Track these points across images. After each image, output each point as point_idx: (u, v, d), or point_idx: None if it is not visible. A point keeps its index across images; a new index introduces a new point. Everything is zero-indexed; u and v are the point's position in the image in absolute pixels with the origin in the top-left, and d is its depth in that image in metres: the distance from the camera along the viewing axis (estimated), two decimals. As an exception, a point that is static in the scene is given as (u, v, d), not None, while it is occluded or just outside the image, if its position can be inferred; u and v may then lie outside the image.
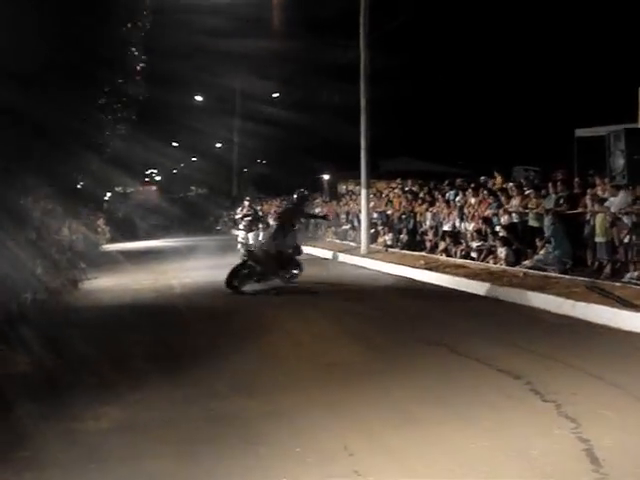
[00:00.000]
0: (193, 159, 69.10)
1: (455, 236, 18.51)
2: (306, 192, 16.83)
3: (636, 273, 12.13)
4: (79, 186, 19.28)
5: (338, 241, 26.56)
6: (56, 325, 11.98)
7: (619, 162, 12.86)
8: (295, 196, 16.28)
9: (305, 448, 5.35)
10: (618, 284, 11.61)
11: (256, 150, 54.74)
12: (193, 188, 72.89)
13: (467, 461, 4.93)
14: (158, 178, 79.09)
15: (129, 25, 10.94)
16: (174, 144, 62.97)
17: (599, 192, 13.91)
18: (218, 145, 60.05)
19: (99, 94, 11.11)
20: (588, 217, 13.98)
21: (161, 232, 37.71)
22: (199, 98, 49.43)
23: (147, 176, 78.40)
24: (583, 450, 5.02)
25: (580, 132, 21.94)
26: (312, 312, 12.09)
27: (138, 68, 12.49)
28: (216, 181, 59.09)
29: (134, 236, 37.74)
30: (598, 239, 13.50)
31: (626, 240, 12.75)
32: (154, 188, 68.58)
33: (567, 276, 13.00)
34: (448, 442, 5.34)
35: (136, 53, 11.63)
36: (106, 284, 18.07)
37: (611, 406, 6.00)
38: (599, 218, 13.48)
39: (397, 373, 7.46)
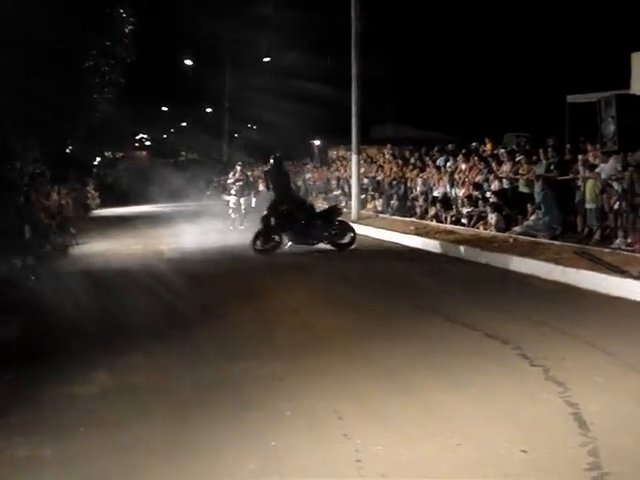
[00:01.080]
0: (183, 124, 68.68)
1: (446, 202, 18.49)
2: (279, 154, 16.82)
3: (625, 239, 12.17)
4: (68, 151, 19.16)
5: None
6: (45, 291, 11.93)
7: (610, 128, 12.80)
8: (271, 160, 16.43)
9: (295, 412, 5.36)
10: (607, 250, 11.63)
11: (247, 115, 54.40)
12: (183, 153, 72.51)
13: (454, 426, 4.95)
14: (148, 143, 78.66)
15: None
16: (164, 108, 62.55)
17: (590, 158, 13.88)
18: (209, 110, 59.62)
19: (86, 56, 10.95)
20: (579, 183, 13.97)
21: (151, 197, 37.53)
22: (189, 62, 48.94)
23: (137, 141, 78.03)
24: (571, 414, 5.05)
25: (571, 98, 21.82)
26: (303, 278, 12.11)
27: (126, 30, 12.30)
28: (206, 146, 58.77)
29: (124, 201, 37.56)
30: (588, 205, 13.51)
31: (616, 206, 12.76)
32: (144, 153, 68.28)
33: (557, 242, 13.01)
34: (436, 407, 5.36)
35: (124, 15, 11.45)
36: (96, 249, 18.01)
37: (600, 371, 6.04)
38: (589, 184, 13.47)
39: (387, 339, 7.47)
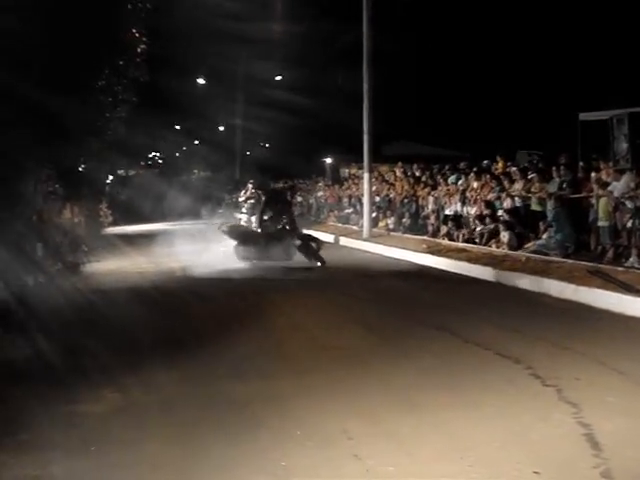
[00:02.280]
0: (196, 142, 68.89)
1: (457, 220, 18.43)
2: (291, 183, 17.29)
3: (639, 258, 12.08)
4: (81, 169, 19.20)
5: (340, 225, 26.47)
6: (56, 309, 11.93)
7: (622, 146, 12.86)
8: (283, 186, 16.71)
9: (305, 432, 5.32)
10: (620, 269, 11.55)
11: (260, 133, 54.57)
12: (195, 171, 72.64)
13: (466, 446, 4.90)
14: (161, 161, 78.89)
15: (129, 6, 10.84)
16: (177, 127, 62.77)
17: (603, 176, 13.83)
18: (221, 128, 59.80)
19: (99, 75, 11.01)
20: (592, 201, 13.90)
21: (164, 215, 37.60)
22: (201, 81, 49.10)
23: (150, 159, 78.28)
24: (584, 435, 4.99)
25: (584, 116, 21.76)
26: (313, 296, 12.07)
27: (139, 50, 12.37)
28: (219, 164, 58.92)
29: (137, 219, 37.57)
30: (601, 223, 13.43)
31: (629, 225, 12.67)
32: (157, 171, 68.44)
33: (569, 260, 12.94)
34: (448, 427, 5.31)
35: (137, 34, 11.52)
36: (107, 267, 18.01)
37: (613, 391, 5.98)
38: (602, 202, 13.40)
39: (398, 357, 7.43)
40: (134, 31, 11.38)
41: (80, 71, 10.02)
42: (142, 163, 71.20)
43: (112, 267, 17.96)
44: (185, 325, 9.78)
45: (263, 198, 16.32)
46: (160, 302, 11.90)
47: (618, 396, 5.87)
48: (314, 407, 5.90)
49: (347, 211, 27.50)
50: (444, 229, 18.80)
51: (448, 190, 19.62)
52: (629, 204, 12.74)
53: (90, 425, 5.83)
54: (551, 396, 5.89)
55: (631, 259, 12.20)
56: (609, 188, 13.29)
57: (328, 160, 41.89)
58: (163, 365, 7.52)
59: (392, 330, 8.94)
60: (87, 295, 13.31)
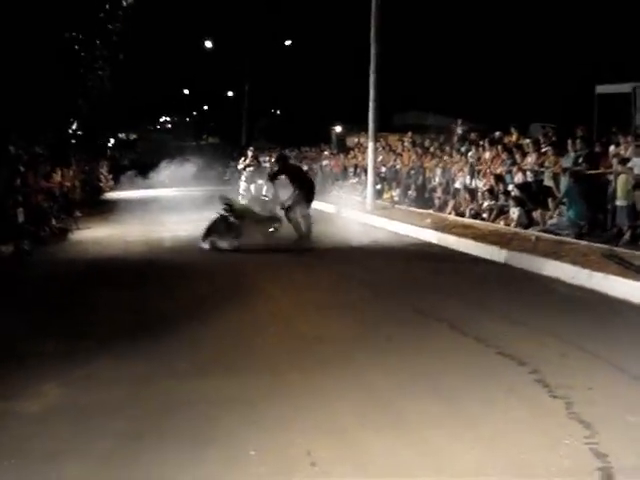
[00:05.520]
0: (205, 107, 68.03)
1: (466, 194, 17.43)
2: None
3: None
4: (70, 131, 18.32)
5: (344, 195, 25.47)
6: (28, 281, 11.13)
7: (646, 119, 11.85)
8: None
9: (261, 451, 4.43)
10: (638, 253, 10.58)
11: (269, 99, 53.63)
12: (204, 136, 71.90)
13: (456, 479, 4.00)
14: (170, 126, 78.28)
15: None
16: (185, 91, 61.80)
17: (622, 151, 12.83)
18: (230, 93, 58.64)
19: (70, 27, 10.01)
20: (610, 178, 12.89)
21: (168, 180, 36.64)
22: (209, 44, 47.59)
23: (160, 123, 77.79)
24: (599, 470, 4.06)
25: (601, 89, 20.68)
26: (302, 274, 11.13)
27: (125, 3, 11.38)
28: (228, 130, 58.04)
29: (139, 184, 36.67)
30: (618, 202, 12.45)
31: (649, 205, 11.71)
32: (164, 135, 67.69)
33: (583, 242, 11.96)
34: (435, 452, 4.38)
35: None
36: (97, 234, 17.22)
37: (633, 408, 5.03)
38: (621, 179, 12.41)
39: (387, 354, 6.47)
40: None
41: (49, 19, 9.06)
42: (150, 127, 70.69)
43: (102, 234, 17.18)
44: (156, 306, 8.83)
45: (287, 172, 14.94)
46: (136, 277, 11.05)
47: (639, 414, 4.94)
48: (279, 417, 4.99)
49: (352, 181, 26.51)
50: (451, 203, 17.82)
51: (457, 162, 18.61)
52: (651, 183, 11.76)
53: (17, 429, 4.99)
54: (560, 412, 4.94)
55: (650, 242, 11.27)
56: (629, 164, 12.29)
57: (337, 128, 40.81)
58: (119, 355, 6.64)
59: (386, 319, 7.93)
60: (64, 266, 12.50)
